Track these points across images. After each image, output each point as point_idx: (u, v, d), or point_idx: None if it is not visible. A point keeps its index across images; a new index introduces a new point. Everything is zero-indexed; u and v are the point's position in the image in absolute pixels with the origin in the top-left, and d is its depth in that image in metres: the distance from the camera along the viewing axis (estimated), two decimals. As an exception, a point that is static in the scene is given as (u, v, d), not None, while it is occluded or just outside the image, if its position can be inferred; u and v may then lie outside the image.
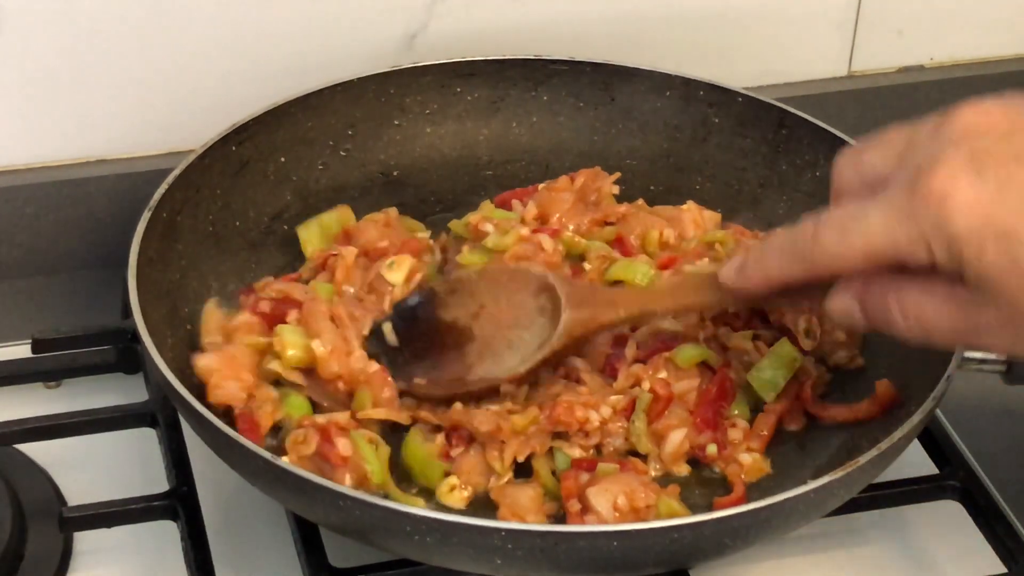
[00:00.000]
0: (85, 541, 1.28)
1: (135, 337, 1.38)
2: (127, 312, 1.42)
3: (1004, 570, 1.25)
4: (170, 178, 1.36)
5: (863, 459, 1.16)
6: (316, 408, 1.28)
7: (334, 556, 1.21)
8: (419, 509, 1.12)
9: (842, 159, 1.13)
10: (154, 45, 1.49)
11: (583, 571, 1.14)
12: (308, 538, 1.22)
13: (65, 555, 1.27)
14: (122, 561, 1.28)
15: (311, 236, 1.43)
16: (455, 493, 1.24)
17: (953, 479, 1.31)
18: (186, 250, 1.37)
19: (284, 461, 1.15)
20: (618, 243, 1.40)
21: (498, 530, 1.11)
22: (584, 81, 1.52)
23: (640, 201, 1.46)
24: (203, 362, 1.26)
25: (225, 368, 1.27)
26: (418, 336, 1.31)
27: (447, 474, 1.25)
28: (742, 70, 1.59)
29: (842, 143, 1.41)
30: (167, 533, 1.26)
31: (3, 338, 1.45)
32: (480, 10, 1.56)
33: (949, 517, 1.31)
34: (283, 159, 1.46)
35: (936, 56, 1.71)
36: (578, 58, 1.52)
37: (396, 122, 1.51)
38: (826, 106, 1.51)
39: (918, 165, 1.04)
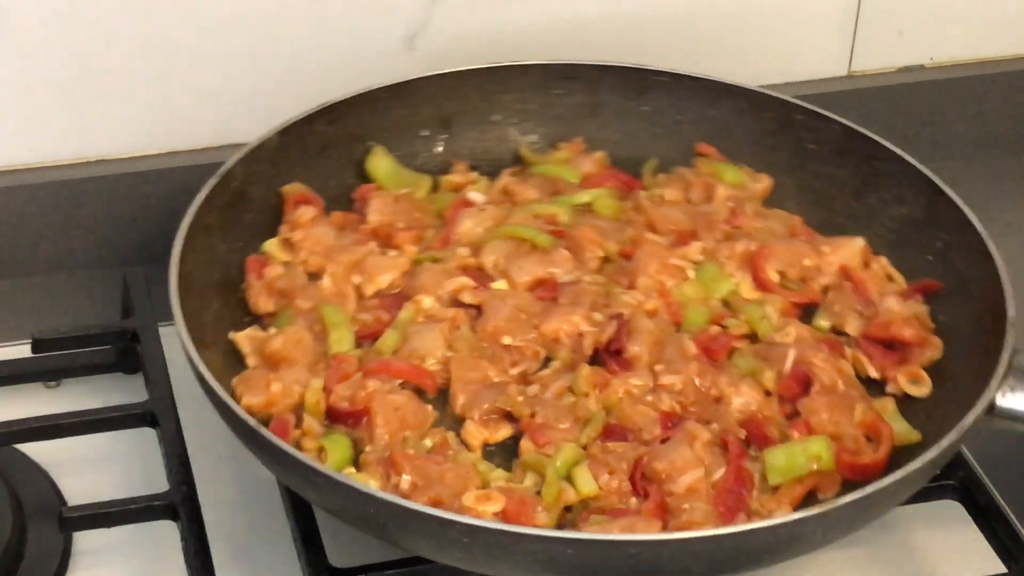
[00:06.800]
0: (85, 541, 1.28)
1: (135, 337, 1.39)
2: (127, 312, 1.43)
3: (1004, 570, 1.25)
4: (245, 149, 1.37)
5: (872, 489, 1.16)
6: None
7: (334, 556, 1.21)
8: (474, 519, 1.13)
9: None
10: (154, 46, 1.49)
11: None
12: (308, 538, 1.22)
13: (65, 555, 1.27)
14: (122, 561, 1.28)
15: (380, 165, 1.46)
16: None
17: (953, 479, 1.30)
18: (254, 221, 1.39)
19: (345, 474, 1.16)
20: (753, 272, 1.40)
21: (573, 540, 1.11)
22: (685, 94, 1.51)
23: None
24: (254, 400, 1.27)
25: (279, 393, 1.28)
26: None
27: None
28: (742, 70, 1.59)
29: (928, 181, 1.39)
30: (167, 533, 1.26)
31: (3, 338, 1.45)
32: (480, 10, 1.56)
33: (949, 517, 1.31)
34: (371, 144, 1.47)
35: (936, 56, 1.71)
36: (680, 71, 1.50)
37: (493, 118, 1.51)
38: (826, 106, 1.51)
39: None
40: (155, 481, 1.31)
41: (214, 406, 1.21)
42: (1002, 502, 1.30)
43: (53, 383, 1.41)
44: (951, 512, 1.31)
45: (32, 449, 1.34)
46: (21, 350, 1.40)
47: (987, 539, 1.27)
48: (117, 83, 1.50)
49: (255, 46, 1.51)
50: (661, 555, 1.12)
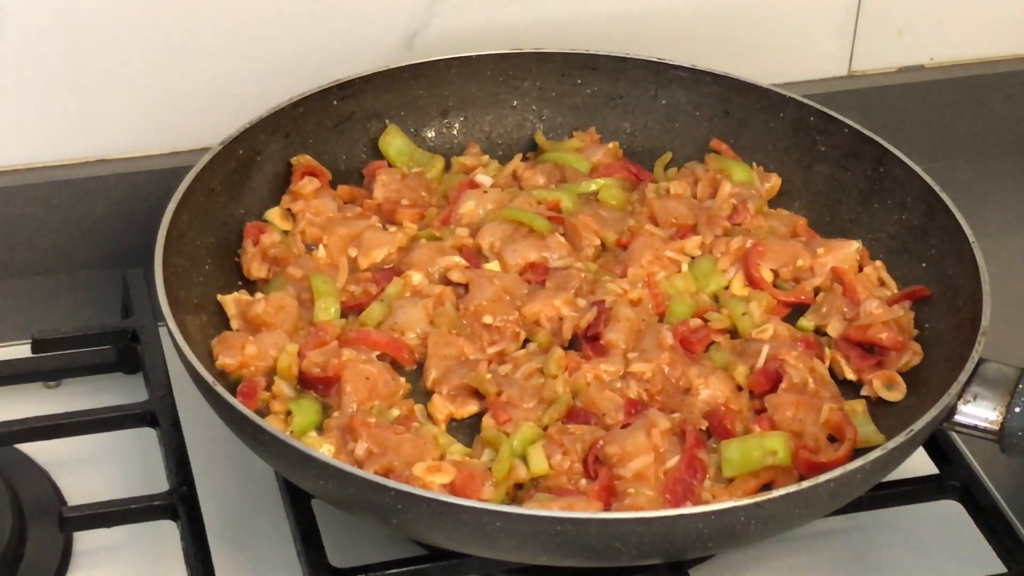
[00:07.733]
0: (85, 541, 1.28)
1: (135, 337, 1.39)
2: (127, 312, 1.43)
3: (1004, 570, 1.25)
4: (254, 119, 1.40)
5: (865, 460, 1.16)
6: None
7: (334, 556, 1.21)
8: (496, 506, 1.14)
9: None
10: (154, 46, 1.49)
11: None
12: (308, 538, 1.22)
13: (65, 555, 1.27)
14: (122, 561, 1.28)
15: (393, 143, 1.48)
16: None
17: (953, 479, 1.31)
18: (259, 188, 1.41)
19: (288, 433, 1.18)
20: (746, 269, 1.40)
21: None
22: (703, 91, 1.51)
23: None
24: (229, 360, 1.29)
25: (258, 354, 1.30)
26: None
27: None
28: (742, 70, 1.59)
29: (929, 189, 1.39)
30: (167, 533, 1.26)
31: (3, 338, 1.45)
32: (480, 9, 1.56)
33: (949, 517, 1.31)
34: (387, 121, 1.49)
35: (936, 56, 1.71)
36: (700, 66, 1.51)
37: (513, 103, 1.52)
38: (826, 106, 1.51)
39: None
40: (155, 481, 1.31)
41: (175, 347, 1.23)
42: (1002, 502, 1.31)
43: (53, 383, 1.41)
44: (951, 512, 1.31)
45: (32, 449, 1.34)
46: (21, 350, 1.40)
47: (987, 539, 1.28)
48: (117, 83, 1.50)
49: (255, 46, 1.51)
50: (587, 533, 1.12)
